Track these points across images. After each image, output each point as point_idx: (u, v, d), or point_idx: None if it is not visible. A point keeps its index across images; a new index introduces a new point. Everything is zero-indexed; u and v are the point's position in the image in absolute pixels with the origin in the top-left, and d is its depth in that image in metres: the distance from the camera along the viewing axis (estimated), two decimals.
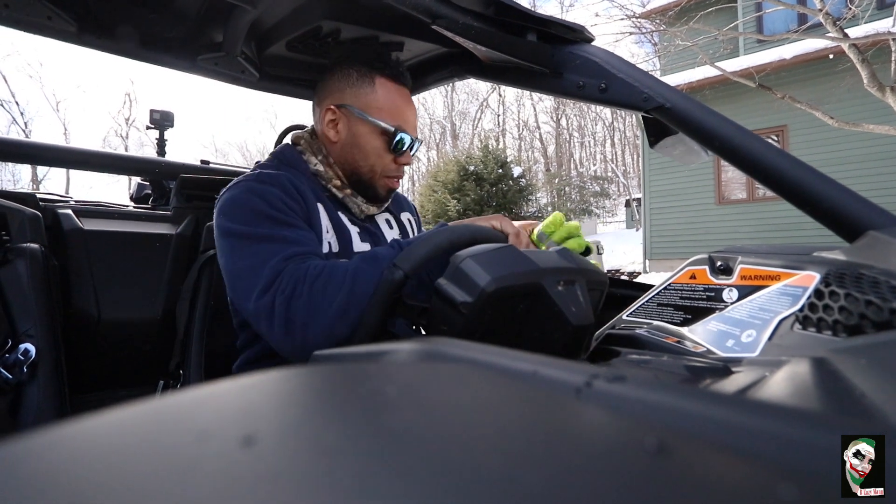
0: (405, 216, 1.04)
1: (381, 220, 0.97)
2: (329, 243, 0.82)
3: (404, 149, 0.88)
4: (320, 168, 0.88)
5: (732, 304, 0.58)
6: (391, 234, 0.96)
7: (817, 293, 0.49)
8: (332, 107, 0.88)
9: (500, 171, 11.41)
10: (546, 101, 27.76)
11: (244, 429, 0.12)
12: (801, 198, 0.61)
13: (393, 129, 0.86)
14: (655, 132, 0.82)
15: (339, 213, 0.87)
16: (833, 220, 0.59)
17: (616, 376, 0.18)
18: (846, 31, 4.72)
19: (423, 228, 1.11)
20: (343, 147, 0.88)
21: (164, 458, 0.11)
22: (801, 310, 0.50)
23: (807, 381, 0.36)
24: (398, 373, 0.17)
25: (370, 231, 0.91)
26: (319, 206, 0.84)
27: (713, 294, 0.61)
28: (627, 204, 19.83)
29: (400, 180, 0.93)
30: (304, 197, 0.81)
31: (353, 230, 0.87)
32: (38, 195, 1.22)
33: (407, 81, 0.91)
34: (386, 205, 0.97)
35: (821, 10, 4.46)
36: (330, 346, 0.65)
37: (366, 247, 0.86)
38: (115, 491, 0.10)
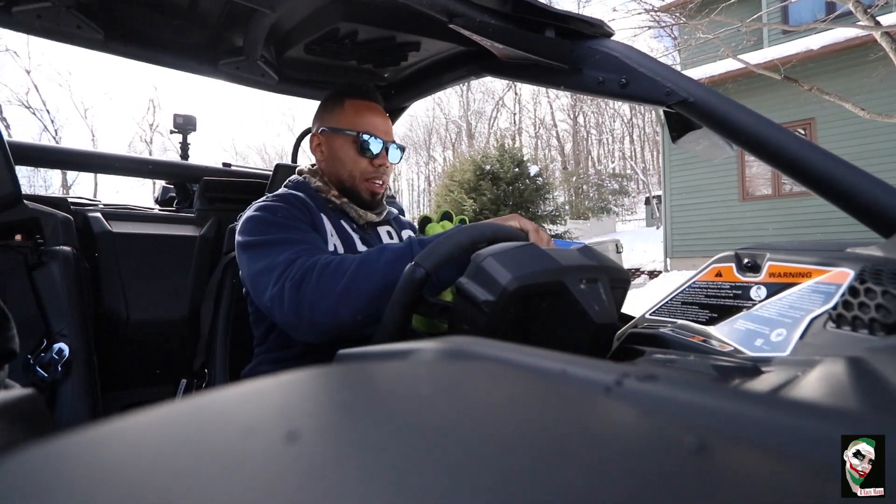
0: (406, 233, 1.10)
1: (383, 231, 1.04)
2: (335, 245, 0.90)
3: (375, 151, 0.96)
4: (320, 184, 0.98)
5: (761, 302, 0.57)
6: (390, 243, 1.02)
7: (852, 290, 0.47)
8: (316, 133, 1.01)
9: (517, 169, 11.33)
10: (563, 99, 27.48)
11: (288, 425, 0.12)
12: (833, 192, 0.59)
13: (356, 133, 0.95)
14: (678, 127, 0.81)
15: (342, 220, 0.96)
16: (867, 214, 0.57)
17: (647, 375, 0.18)
18: (878, 18, 4.54)
19: None
20: (328, 163, 0.99)
21: (214, 453, 0.11)
22: (834, 308, 0.48)
23: (843, 381, 0.35)
24: (432, 371, 0.17)
25: (369, 240, 0.98)
26: (323, 215, 0.93)
27: (740, 292, 0.59)
28: (647, 201, 19.49)
29: (383, 184, 0.99)
30: (309, 208, 0.90)
31: (355, 235, 0.95)
32: (69, 199, 1.26)
33: (373, 97, 1.00)
34: (384, 214, 1.04)
35: None
36: (336, 327, 0.69)
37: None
38: (165, 485, 0.10)
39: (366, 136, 0.95)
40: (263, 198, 0.91)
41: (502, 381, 0.17)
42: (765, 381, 0.40)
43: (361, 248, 0.93)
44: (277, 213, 0.84)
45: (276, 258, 0.76)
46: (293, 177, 1.03)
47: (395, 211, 1.13)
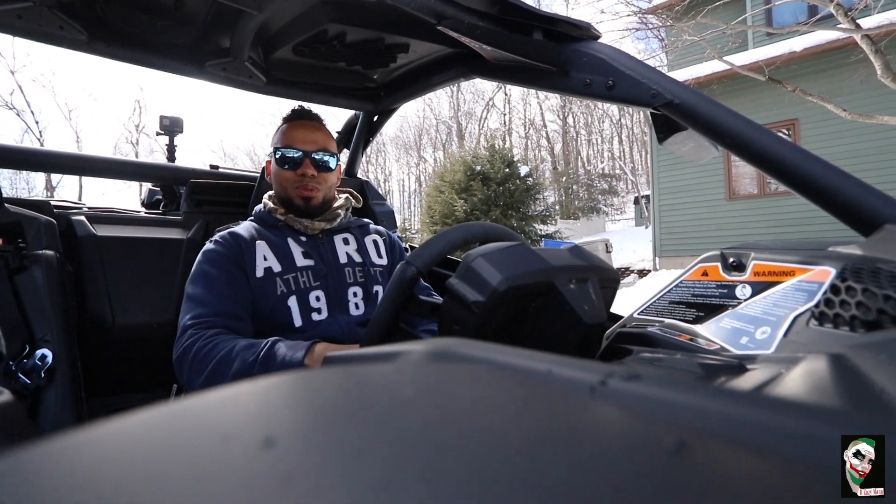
0: (370, 238, 1.14)
1: (338, 239, 1.09)
2: (266, 268, 0.97)
3: (293, 161, 1.02)
4: (272, 205, 1.06)
5: (746, 300, 0.58)
6: (346, 249, 1.08)
7: (833, 288, 0.48)
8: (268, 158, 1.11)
9: (507, 170, 11.37)
10: (552, 100, 27.63)
11: (264, 430, 0.12)
12: (815, 192, 0.60)
13: (274, 148, 1.04)
14: (664, 128, 0.82)
15: (289, 237, 1.03)
16: (848, 213, 0.58)
17: (631, 375, 0.18)
18: (858, 21, 4.64)
19: (403, 246, 1.23)
20: (273, 183, 1.08)
21: (188, 460, 0.11)
22: (816, 305, 0.49)
23: (825, 377, 0.35)
24: (414, 373, 0.17)
25: (318, 248, 1.04)
26: (259, 243, 1.00)
27: (726, 291, 0.60)
28: (636, 201, 19.67)
29: (314, 191, 1.03)
30: (242, 244, 0.99)
31: (297, 250, 1.01)
32: (53, 202, 1.24)
33: (303, 115, 1.07)
34: (337, 221, 1.09)
35: (832, 1, 4.39)
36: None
37: (309, 262, 1.00)
38: (140, 492, 0.10)
39: (282, 150, 1.03)
40: (212, 238, 1.02)
41: (487, 382, 0.17)
42: (750, 379, 0.40)
43: (303, 261, 0.99)
44: (209, 259, 0.96)
45: (182, 319, 0.90)
46: (259, 205, 1.10)
47: (363, 221, 1.18)
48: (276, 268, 0.97)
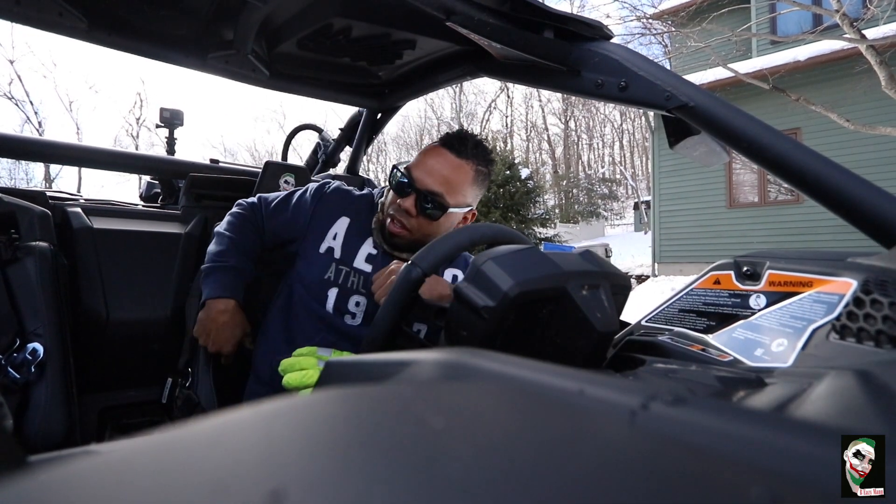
0: (450, 272, 1.01)
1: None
2: (330, 247, 0.97)
3: (397, 185, 0.93)
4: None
5: (760, 311, 0.56)
6: None
7: (857, 301, 0.46)
8: None
9: (508, 172, 11.35)
10: (554, 103, 27.66)
11: (271, 480, 0.10)
12: (835, 201, 0.59)
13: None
14: (676, 132, 0.80)
15: (371, 237, 0.98)
16: (869, 224, 0.56)
17: (677, 397, 0.16)
18: (864, 31, 4.64)
19: None
20: None
21: None
22: (837, 318, 0.47)
23: (854, 395, 0.33)
24: (440, 402, 0.15)
25: (384, 263, 0.94)
26: (344, 218, 0.99)
27: (739, 300, 0.58)
28: (636, 206, 19.70)
29: (404, 233, 0.91)
30: (331, 207, 1.00)
31: (365, 252, 0.96)
32: (49, 193, 1.22)
33: (448, 143, 0.92)
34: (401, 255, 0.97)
35: (837, 11, 4.38)
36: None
37: (367, 269, 0.96)
38: None
39: (398, 170, 0.94)
40: (319, 182, 1.05)
41: (518, 407, 0.15)
42: (778, 396, 0.38)
43: (363, 265, 0.95)
44: (291, 198, 1.02)
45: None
46: (378, 190, 1.07)
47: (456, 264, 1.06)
48: (337, 253, 0.95)
